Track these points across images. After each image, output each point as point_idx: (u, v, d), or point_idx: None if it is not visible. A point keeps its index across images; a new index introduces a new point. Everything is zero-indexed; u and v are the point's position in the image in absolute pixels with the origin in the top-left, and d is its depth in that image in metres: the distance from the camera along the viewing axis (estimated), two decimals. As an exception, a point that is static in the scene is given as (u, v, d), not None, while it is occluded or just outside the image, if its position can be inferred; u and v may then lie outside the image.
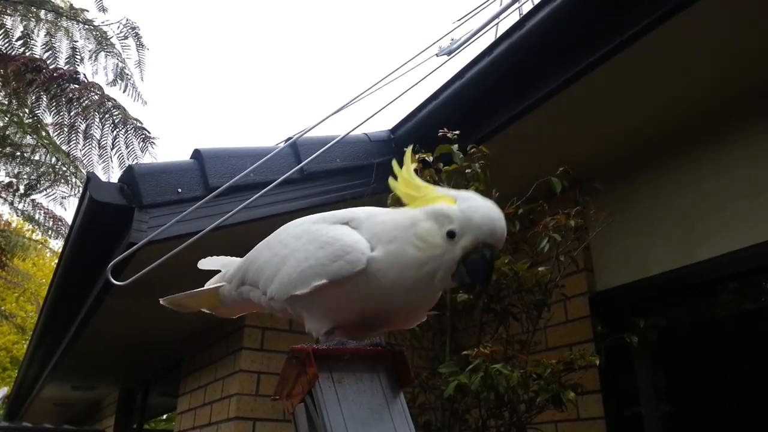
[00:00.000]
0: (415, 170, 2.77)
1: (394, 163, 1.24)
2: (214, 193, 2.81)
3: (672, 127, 3.14)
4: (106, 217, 3.03)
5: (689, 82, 2.83)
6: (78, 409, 10.69)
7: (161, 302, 1.68)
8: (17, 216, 9.24)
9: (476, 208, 1.12)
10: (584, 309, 3.39)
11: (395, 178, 1.27)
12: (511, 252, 2.81)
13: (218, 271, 1.62)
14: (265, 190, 2.77)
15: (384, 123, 4.06)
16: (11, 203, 8.47)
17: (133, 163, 5.05)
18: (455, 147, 2.64)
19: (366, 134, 3.89)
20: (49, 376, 6.92)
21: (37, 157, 7.26)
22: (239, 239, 3.39)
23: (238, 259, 1.53)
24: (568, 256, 2.60)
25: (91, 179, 2.94)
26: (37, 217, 8.88)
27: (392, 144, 3.89)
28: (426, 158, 2.71)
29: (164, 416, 6.71)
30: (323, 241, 1.20)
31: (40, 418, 10.49)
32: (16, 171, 7.65)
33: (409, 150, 1.26)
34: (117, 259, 2.51)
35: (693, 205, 3.11)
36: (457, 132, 2.65)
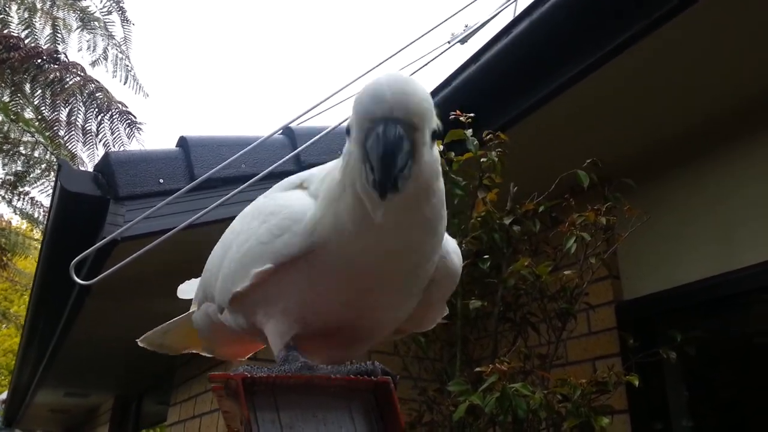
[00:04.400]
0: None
1: None
2: (194, 182, 2.50)
3: (712, 121, 2.80)
4: (80, 210, 2.74)
5: (733, 69, 2.50)
6: (74, 415, 10.42)
7: (139, 343, 1.40)
8: (16, 214, 9.01)
9: (366, 85, 0.86)
10: (610, 319, 3.05)
11: None
12: (531, 254, 2.48)
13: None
14: (254, 179, 2.46)
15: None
16: (9, 201, 8.23)
17: (114, 150, 4.77)
18: (469, 132, 2.31)
19: (370, 125, 3.59)
20: (39, 382, 6.65)
21: (23, 149, 6.99)
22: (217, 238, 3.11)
23: None
24: (599, 259, 2.27)
25: (62, 166, 2.65)
26: (35, 215, 8.64)
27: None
28: (436, 146, 2.40)
29: (157, 428, 6.41)
30: (267, 213, 0.89)
31: (36, 425, 10.24)
32: (8, 166, 7.41)
33: None
34: (80, 256, 2.21)
35: (734, 209, 2.78)
36: (472, 115, 2.33)
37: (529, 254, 2.41)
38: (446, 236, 1.06)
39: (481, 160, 2.31)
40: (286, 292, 0.88)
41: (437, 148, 0.97)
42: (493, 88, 2.90)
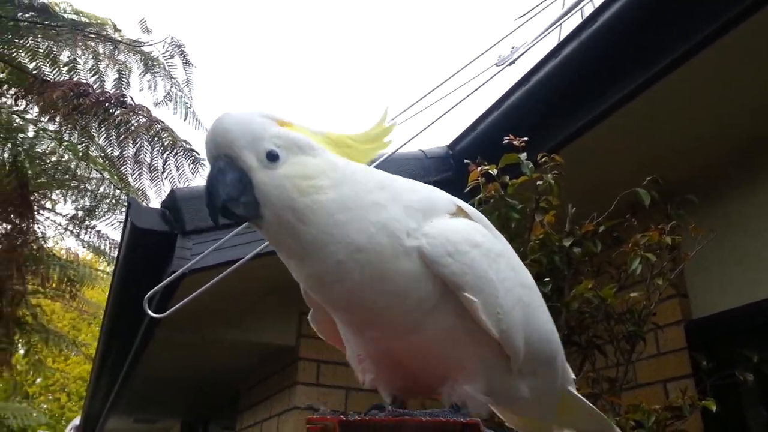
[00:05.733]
0: (477, 185, 2.48)
1: None
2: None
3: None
4: (149, 245, 2.87)
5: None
6: (143, 440, 10.71)
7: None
8: (84, 247, 9.44)
9: None
10: (680, 340, 2.95)
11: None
12: (593, 275, 2.44)
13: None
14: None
15: (440, 141, 3.78)
16: (77, 235, 8.64)
17: (179, 185, 4.95)
18: (524, 156, 2.31)
19: (422, 150, 3.62)
20: (110, 409, 6.89)
21: (92, 186, 7.36)
22: (286, 267, 3.19)
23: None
24: (666, 279, 2.21)
25: (132, 204, 2.79)
26: (102, 247, 9.02)
27: (450, 160, 3.60)
28: (489, 171, 2.40)
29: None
30: None
31: (107, 449, 10.55)
32: (77, 202, 7.80)
33: None
34: (153, 290, 2.31)
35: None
36: (525, 139, 2.33)
37: (591, 275, 2.37)
38: (432, 222, 1.02)
39: (537, 182, 2.30)
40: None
41: (303, 164, 0.96)
42: (543, 109, 2.89)
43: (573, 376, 1.32)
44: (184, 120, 6.73)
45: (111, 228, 8.41)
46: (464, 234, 1.02)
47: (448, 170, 3.55)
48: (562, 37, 2.93)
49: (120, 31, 6.62)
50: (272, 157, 0.93)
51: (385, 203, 0.98)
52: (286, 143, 0.95)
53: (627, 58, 2.48)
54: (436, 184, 3.50)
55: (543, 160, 2.34)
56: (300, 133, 0.99)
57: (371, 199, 0.97)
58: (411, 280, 0.96)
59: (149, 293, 2.32)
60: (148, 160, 6.02)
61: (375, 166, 3.06)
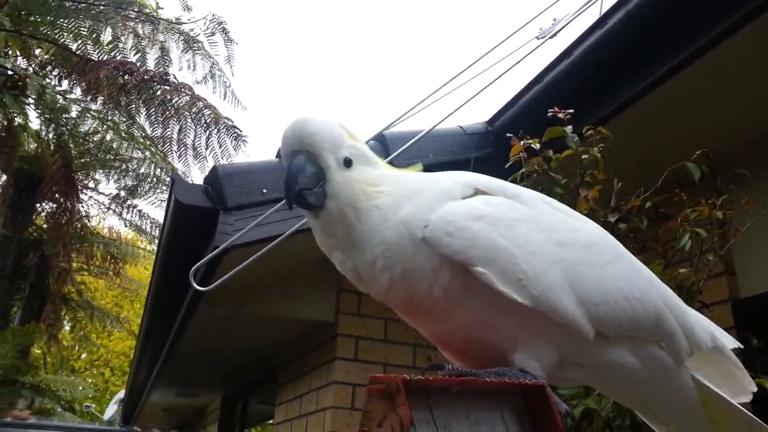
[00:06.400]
0: (519, 160, 2.45)
1: None
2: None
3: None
4: (192, 220, 2.92)
5: None
6: (184, 414, 11.05)
7: None
8: (126, 226, 9.71)
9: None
10: (727, 318, 2.87)
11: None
12: (638, 251, 2.38)
13: None
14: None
15: (478, 116, 3.73)
16: (119, 214, 8.88)
17: (222, 162, 5.00)
18: (569, 129, 2.26)
19: (461, 127, 3.58)
20: (154, 383, 7.10)
21: (135, 165, 7.53)
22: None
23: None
24: (716, 255, 2.14)
25: (175, 181, 2.84)
26: (143, 226, 9.26)
27: (490, 136, 3.55)
28: (532, 145, 2.36)
29: (258, 427, 6.64)
30: None
31: (150, 423, 10.93)
32: (119, 182, 8.00)
33: None
34: (198, 264, 2.36)
35: None
36: (571, 111, 2.27)
37: (637, 252, 2.32)
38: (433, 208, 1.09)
39: (582, 156, 2.25)
40: None
41: (368, 173, 1.13)
42: (588, 81, 2.82)
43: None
44: (223, 99, 6.81)
45: (152, 207, 8.62)
46: (464, 211, 1.06)
47: (487, 146, 3.51)
48: (603, 9, 2.85)
49: (162, 9, 6.69)
50: (347, 163, 1.10)
51: (414, 202, 1.09)
52: (357, 153, 1.12)
53: (677, 27, 2.39)
54: (475, 160, 3.49)
55: (589, 133, 2.29)
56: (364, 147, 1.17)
57: (408, 202, 1.09)
58: (430, 273, 1.03)
59: (194, 267, 2.36)
60: (191, 138, 6.13)
61: (415, 143, 3.04)
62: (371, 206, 1.08)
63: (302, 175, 1.06)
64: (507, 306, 0.99)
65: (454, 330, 1.08)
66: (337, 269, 1.14)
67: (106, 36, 6.15)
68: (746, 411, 1.28)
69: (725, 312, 2.90)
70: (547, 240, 1.09)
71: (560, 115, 2.28)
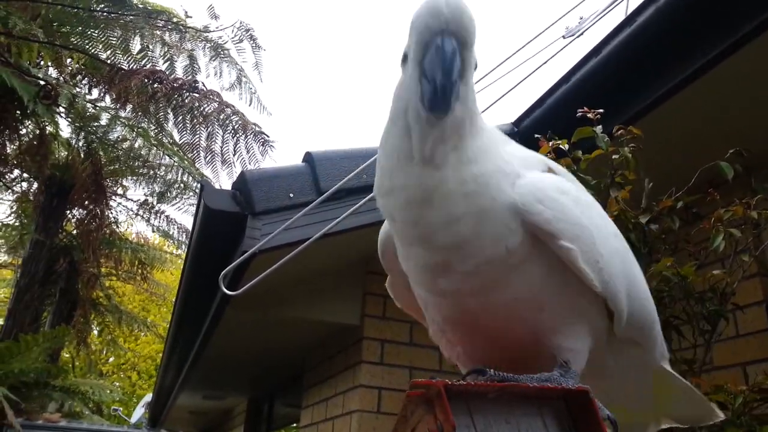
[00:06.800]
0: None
1: None
2: (321, 197, 2.61)
3: None
4: (221, 225, 2.95)
5: None
6: (211, 417, 11.14)
7: None
8: (153, 232, 9.86)
9: (422, 3, 0.88)
10: (762, 321, 2.81)
11: None
12: (670, 253, 2.34)
13: None
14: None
15: (505, 118, 3.71)
16: (147, 220, 9.03)
17: (250, 167, 5.06)
18: (599, 129, 2.23)
19: (487, 128, 3.56)
20: (181, 386, 7.17)
21: (163, 171, 7.67)
22: (351, 247, 3.20)
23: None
24: (751, 255, 2.10)
25: (204, 187, 2.87)
26: (171, 231, 9.40)
27: (516, 138, 3.51)
28: (561, 146, 2.34)
29: (282, 430, 6.66)
30: None
31: (177, 425, 11.05)
32: (148, 188, 8.15)
33: None
34: (228, 268, 2.38)
35: None
36: (601, 111, 2.25)
37: (668, 253, 2.28)
38: (525, 178, 1.00)
39: (613, 157, 2.22)
40: None
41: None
42: (617, 80, 2.79)
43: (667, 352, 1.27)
44: (249, 105, 6.89)
45: (179, 212, 8.76)
46: (552, 183, 1.01)
47: (513, 148, 3.49)
48: (630, 8, 2.81)
49: (191, 17, 6.82)
50: (475, 68, 0.95)
51: (500, 152, 1.00)
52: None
53: (709, 23, 2.35)
54: (501, 162, 3.46)
55: (619, 132, 2.26)
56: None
57: (495, 148, 0.99)
58: (503, 229, 0.94)
59: (223, 272, 2.39)
60: (219, 144, 6.22)
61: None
62: (479, 128, 0.95)
63: (457, 66, 0.85)
64: (563, 287, 0.97)
65: (494, 306, 0.97)
66: (390, 200, 1.00)
67: (136, 45, 6.29)
68: (686, 381, 1.29)
69: (760, 314, 2.83)
70: (609, 227, 1.08)
71: (590, 115, 2.26)
